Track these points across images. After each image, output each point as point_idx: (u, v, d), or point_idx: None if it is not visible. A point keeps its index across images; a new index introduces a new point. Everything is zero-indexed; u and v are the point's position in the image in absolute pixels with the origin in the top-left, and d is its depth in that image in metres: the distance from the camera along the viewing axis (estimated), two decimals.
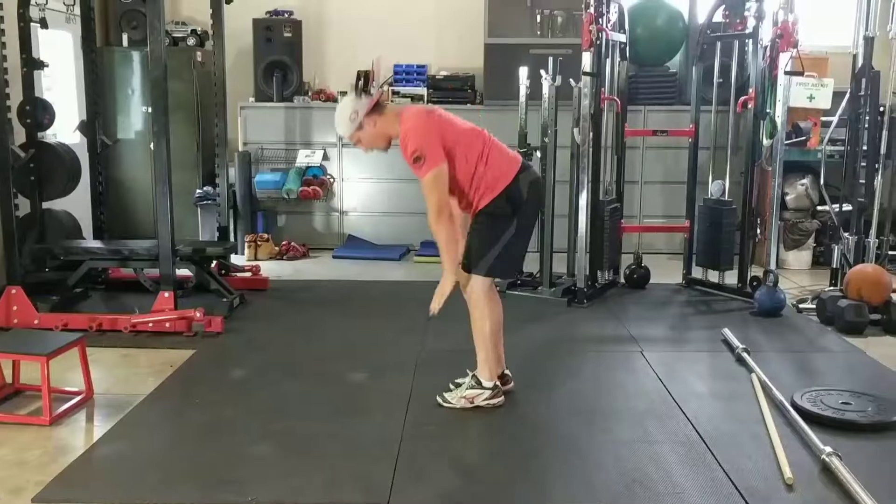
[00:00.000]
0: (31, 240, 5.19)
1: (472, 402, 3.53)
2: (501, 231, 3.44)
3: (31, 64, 5.20)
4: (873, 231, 5.50)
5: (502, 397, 3.58)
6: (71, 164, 5.45)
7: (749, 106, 5.48)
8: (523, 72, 5.88)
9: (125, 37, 7.22)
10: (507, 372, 3.74)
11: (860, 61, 5.44)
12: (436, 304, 3.44)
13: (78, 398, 3.63)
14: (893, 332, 4.83)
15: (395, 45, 7.54)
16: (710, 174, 5.87)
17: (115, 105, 7.08)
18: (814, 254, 6.84)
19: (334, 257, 7.07)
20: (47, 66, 5.39)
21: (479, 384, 3.56)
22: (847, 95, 5.57)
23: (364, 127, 3.44)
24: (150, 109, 5.51)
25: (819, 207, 6.67)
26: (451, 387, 3.66)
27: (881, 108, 5.57)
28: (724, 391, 3.84)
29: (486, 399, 3.54)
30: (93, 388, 3.70)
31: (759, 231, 5.79)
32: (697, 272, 5.95)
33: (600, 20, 5.30)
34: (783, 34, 5.04)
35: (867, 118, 5.49)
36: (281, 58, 7.22)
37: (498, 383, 3.59)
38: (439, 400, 3.57)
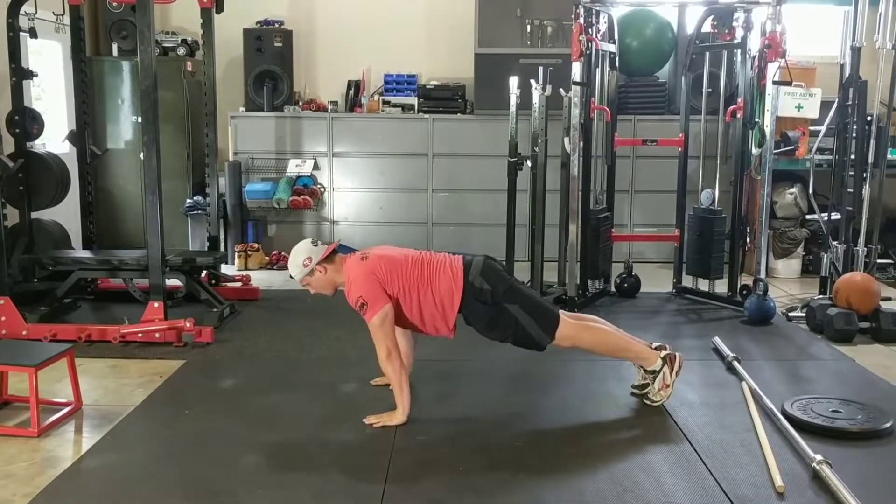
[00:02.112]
0: (20, 250, 5.16)
1: (668, 385, 3.66)
2: (507, 313, 3.50)
3: (20, 73, 5.19)
4: (862, 239, 5.52)
5: (675, 353, 3.70)
6: (60, 174, 5.43)
7: (738, 115, 5.51)
8: (513, 81, 5.89)
9: (115, 46, 7.21)
10: (654, 344, 3.79)
11: (847, 71, 5.47)
12: (373, 421, 3.47)
13: (66, 409, 3.60)
14: (882, 340, 4.85)
15: (385, 54, 7.56)
16: (699, 183, 5.90)
17: (105, 115, 7.06)
18: (803, 262, 6.86)
19: None
20: (36, 75, 5.38)
21: (652, 371, 3.66)
22: (835, 105, 5.60)
23: (315, 274, 3.58)
24: (139, 119, 5.49)
25: (808, 216, 6.71)
26: (635, 391, 3.76)
27: (868, 118, 5.60)
28: (714, 399, 3.85)
29: (670, 371, 3.65)
30: (81, 400, 3.68)
31: (748, 240, 5.81)
32: (688, 281, 5.97)
33: (590, 30, 5.32)
34: (771, 44, 5.07)
35: (855, 127, 5.52)
36: (271, 67, 7.22)
37: (660, 353, 3.68)
38: (647, 402, 3.70)
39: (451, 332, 3.59)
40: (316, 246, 3.60)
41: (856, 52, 5.39)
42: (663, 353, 3.70)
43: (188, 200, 6.98)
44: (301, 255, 3.58)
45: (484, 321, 3.55)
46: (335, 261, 3.60)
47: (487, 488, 2.94)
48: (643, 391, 3.74)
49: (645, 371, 3.71)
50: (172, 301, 5.24)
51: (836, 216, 5.64)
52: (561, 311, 3.63)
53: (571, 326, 3.59)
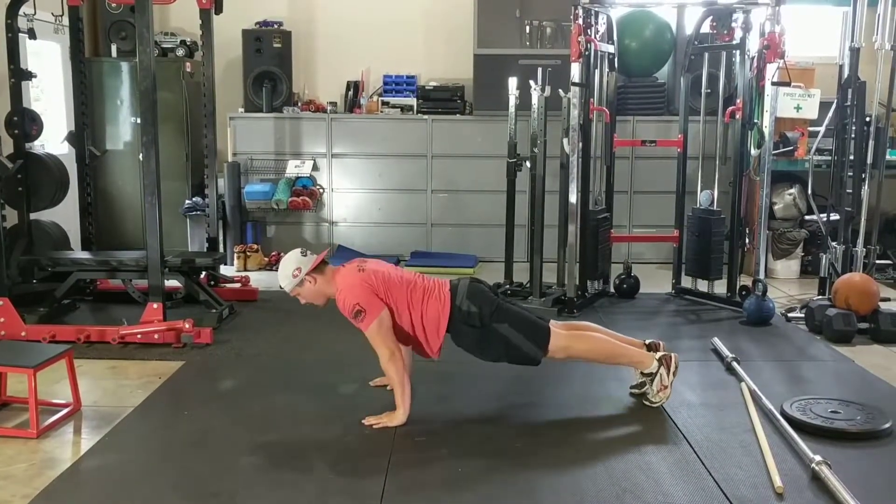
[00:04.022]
0: (19, 251, 5.15)
1: (666, 386, 3.65)
2: (497, 334, 3.51)
3: (19, 74, 5.18)
4: (861, 240, 5.53)
5: (671, 354, 3.69)
6: (59, 175, 5.42)
7: (737, 116, 5.52)
8: (512, 82, 5.90)
9: (114, 47, 7.21)
10: (647, 342, 3.80)
11: (846, 72, 5.48)
12: (373, 422, 3.47)
13: (65, 410, 3.60)
14: (881, 340, 4.85)
15: (384, 55, 7.56)
16: (698, 184, 5.90)
17: (104, 116, 7.06)
18: (802, 263, 6.87)
19: None
20: (35, 76, 5.37)
21: (649, 373, 3.66)
22: (833, 106, 5.61)
23: (304, 284, 3.56)
24: (138, 120, 5.49)
25: (807, 217, 6.71)
26: (634, 391, 3.78)
27: (867, 118, 5.61)
28: (714, 400, 3.85)
29: (667, 373, 3.64)
30: (80, 401, 3.68)
31: (747, 240, 5.82)
32: (687, 282, 5.97)
33: (589, 31, 5.33)
34: (770, 45, 5.08)
35: (853, 128, 5.53)
36: (270, 68, 7.22)
37: (655, 355, 3.68)
38: (646, 403, 3.69)
39: (436, 354, 3.60)
40: (305, 256, 3.57)
41: (854, 52, 5.40)
42: (658, 354, 3.70)
43: (187, 201, 6.98)
44: (290, 265, 3.56)
45: (474, 344, 3.57)
46: (325, 271, 3.58)
47: (486, 489, 2.94)
48: (641, 391, 3.75)
49: (642, 373, 3.72)
50: (171, 302, 5.24)
51: (835, 217, 5.64)
52: (552, 322, 3.64)
53: (563, 338, 3.59)
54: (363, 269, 3.55)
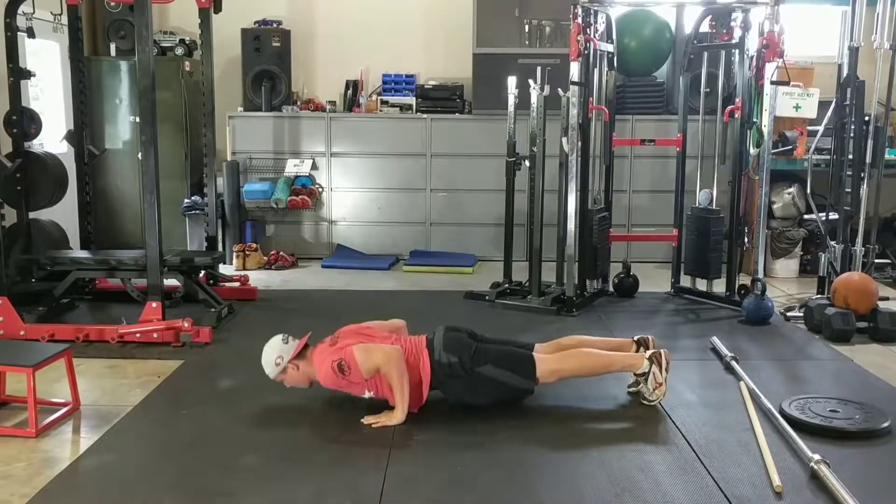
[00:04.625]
0: (18, 250, 5.15)
1: (661, 383, 3.66)
2: (482, 377, 3.52)
3: (18, 73, 5.18)
4: (860, 239, 5.53)
5: (661, 350, 3.71)
6: (58, 174, 5.42)
7: (736, 115, 5.52)
8: (512, 81, 5.90)
9: (113, 46, 7.21)
10: (636, 338, 3.83)
11: (845, 71, 5.48)
12: (372, 421, 3.47)
13: (64, 410, 3.59)
14: (880, 339, 4.86)
15: (383, 54, 7.57)
16: (697, 183, 5.90)
17: (103, 115, 7.07)
18: (801, 262, 6.87)
19: (323, 267, 7.05)
20: (34, 75, 5.37)
21: (643, 373, 3.67)
22: (832, 105, 5.61)
23: (287, 371, 3.59)
24: (137, 119, 5.50)
25: (806, 216, 6.71)
26: (632, 390, 3.79)
27: (866, 118, 5.62)
28: (713, 399, 3.85)
29: (660, 370, 3.65)
30: (79, 400, 3.68)
31: (746, 240, 5.82)
32: (686, 281, 5.97)
33: (588, 30, 5.33)
34: (769, 44, 5.08)
35: (852, 127, 5.53)
36: (269, 67, 7.22)
37: (645, 354, 3.69)
38: (644, 402, 3.70)
39: (415, 410, 3.55)
40: (286, 343, 3.60)
41: (853, 52, 5.40)
42: (648, 352, 3.70)
43: (186, 200, 6.98)
44: (272, 353, 3.59)
45: (464, 392, 3.58)
46: (306, 355, 3.61)
47: (485, 488, 2.94)
48: (638, 388, 3.75)
49: (635, 374, 3.72)
50: (170, 301, 5.23)
51: (833, 216, 5.64)
52: (536, 348, 3.67)
53: (550, 361, 3.61)
54: (335, 341, 3.59)
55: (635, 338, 3.84)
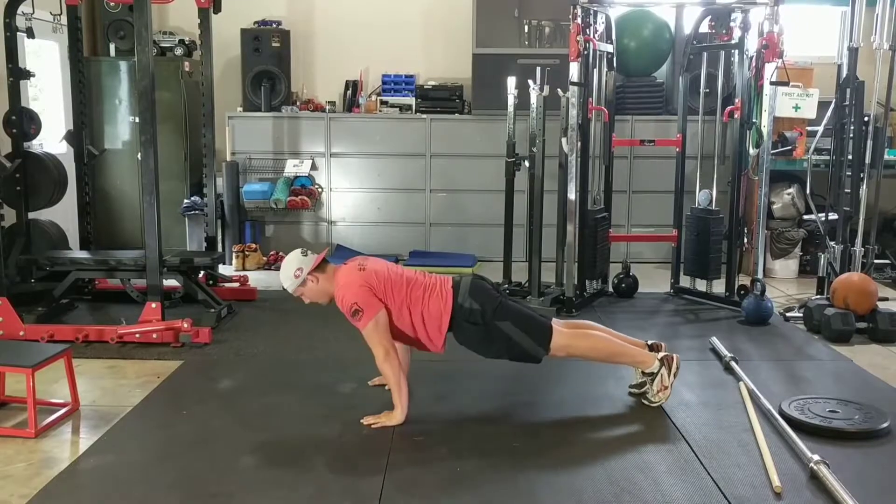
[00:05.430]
0: (17, 250, 5.15)
1: (667, 387, 3.65)
2: (499, 331, 3.51)
3: (18, 73, 5.18)
4: (859, 240, 5.53)
5: (673, 354, 3.70)
6: (57, 175, 5.42)
7: (735, 116, 5.52)
8: (511, 81, 5.90)
9: (112, 46, 7.21)
10: (649, 342, 3.81)
11: (845, 71, 5.48)
12: (371, 421, 3.47)
13: (64, 410, 3.59)
14: (879, 340, 4.86)
15: (383, 55, 7.57)
16: (697, 183, 5.90)
17: (103, 115, 7.06)
18: (800, 262, 6.87)
19: None
20: (34, 75, 5.38)
21: (651, 373, 3.66)
22: (832, 105, 5.61)
23: (307, 283, 3.57)
24: (137, 119, 5.49)
25: (805, 216, 6.71)
26: (633, 391, 3.78)
27: (865, 118, 5.62)
28: (712, 400, 3.85)
29: (668, 373, 3.64)
30: (79, 400, 3.67)
31: (746, 240, 5.82)
32: (685, 281, 5.98)
33: (587, 31, 5.33)
34: (769, 45, 5.08)
35: (852, 128, 5.53)
36: (269, 67, 7.22)
37: (657, 355, 3.68)
38: (646, 403, 3.69)
39: (441, 349, 3.58)
40: (306, 256, 3.58)
41: (853, 52, 5.40)
42: (660, 354, 3.70)
43: (186, 201, 6.98)
44: (291, 266, 3.56)
45: (476, 341, 3.56)
46: (326, 270, 3.59)
47: (485, 488, 2.94)
48: (641, 390, 3.75)
49: (643, 373, 3.72)
50: (170, 301, 5.24)
51: (833, 216, 5.64)
52: (554, 320, 3.64)
53: (565, 336, 3.59)
54: (363, 268, 3.55)
55: (649, 342, 3.82)
